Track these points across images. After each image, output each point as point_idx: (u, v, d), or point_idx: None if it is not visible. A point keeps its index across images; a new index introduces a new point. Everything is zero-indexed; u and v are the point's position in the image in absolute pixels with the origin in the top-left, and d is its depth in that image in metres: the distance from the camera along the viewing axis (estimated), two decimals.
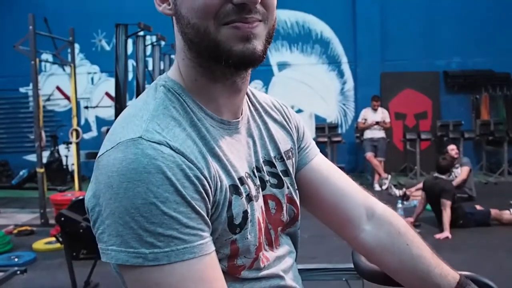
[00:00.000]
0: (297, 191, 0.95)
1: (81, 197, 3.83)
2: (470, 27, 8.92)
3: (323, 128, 8.80)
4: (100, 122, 9.39)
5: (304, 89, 9.33)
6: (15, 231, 5.35)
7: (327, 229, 1.06)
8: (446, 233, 4.82)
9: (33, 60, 5.61)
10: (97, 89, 9.64)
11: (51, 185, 7.12)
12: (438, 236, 4.81)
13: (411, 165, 8.67)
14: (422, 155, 8.23)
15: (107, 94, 9.38)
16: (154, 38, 7.51)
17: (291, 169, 0.95)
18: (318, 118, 9.31)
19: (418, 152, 8.24)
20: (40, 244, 4.82)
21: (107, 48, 9.50)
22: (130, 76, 8.19)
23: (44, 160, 6.59)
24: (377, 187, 7.53)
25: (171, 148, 0.70)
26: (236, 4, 0.72)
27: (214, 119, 0.81)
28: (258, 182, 0.87)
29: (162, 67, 7.80)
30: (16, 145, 9.42)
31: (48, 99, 9.50)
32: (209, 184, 0.73)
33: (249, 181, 0.83)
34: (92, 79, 9.68)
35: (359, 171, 9.03)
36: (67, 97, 9.19)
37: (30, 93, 7.16)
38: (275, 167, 0.92)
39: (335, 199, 0.99)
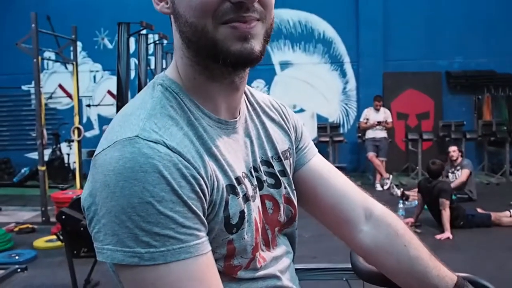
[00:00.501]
0: (294, 191, 0.95)
1: None
2: (473, 28, 8.90)
3: (325, 128, 8.78)
4: (102, 120, 9.40)
5: (306, 88, 9.32)
6: (16, 229, 5.36)
7: (327, 228, 1.05)
8: (447, 234, 4.80)
9: (36, 58, 5.62)
10: (99, 87, 9.64)
11: (53, 183, 7.11)
12: (439, 236, 4.80)
13: (413, 165, 8.66)
14: (424, 155, 8.19)
15: (109, 92, 9.36)
16: (156, 37, 7.53)
17: (288, 169, 0.95)
18: (320, 118, 9.31)
19: (420, 152, 8.21)
20: (41, 242, 4.83)
21: (110, 46, 9.50)
22: (132, 74, 8.24)
23: (46, 158, 6.59)
24: (378, 187, 7.53)
25: (167, 147, 0.70)
26: (233, 3, 0.72)
27: (211, 118, 0.81)
28: (255, 182, 0.86)
29: (164, 66, 7.80)
30: (18, 142, 9.42)
31: (50, 97, 9.50)
32: (205, 184, 0.73)
33: (246, 181, 0.83)
34: (94, 77, 9.68)
35: (361, 171, 9.02)
36: (69, 95, 9.21)
37: (32, 91, 7.14)
38: (273, 167, 0.92)
39: (333, 200, 0.99)
